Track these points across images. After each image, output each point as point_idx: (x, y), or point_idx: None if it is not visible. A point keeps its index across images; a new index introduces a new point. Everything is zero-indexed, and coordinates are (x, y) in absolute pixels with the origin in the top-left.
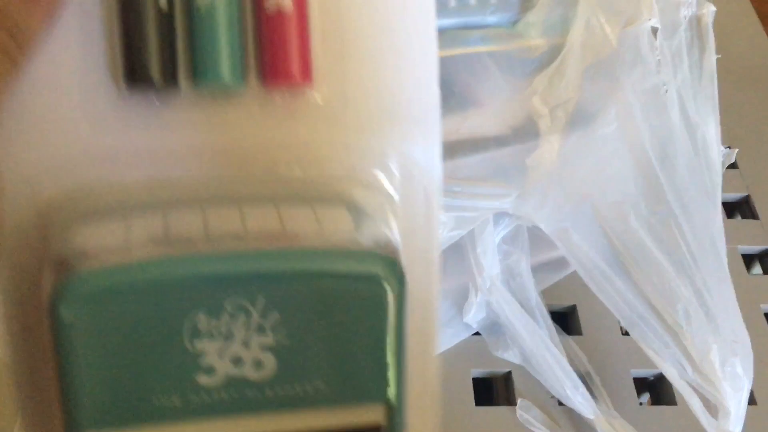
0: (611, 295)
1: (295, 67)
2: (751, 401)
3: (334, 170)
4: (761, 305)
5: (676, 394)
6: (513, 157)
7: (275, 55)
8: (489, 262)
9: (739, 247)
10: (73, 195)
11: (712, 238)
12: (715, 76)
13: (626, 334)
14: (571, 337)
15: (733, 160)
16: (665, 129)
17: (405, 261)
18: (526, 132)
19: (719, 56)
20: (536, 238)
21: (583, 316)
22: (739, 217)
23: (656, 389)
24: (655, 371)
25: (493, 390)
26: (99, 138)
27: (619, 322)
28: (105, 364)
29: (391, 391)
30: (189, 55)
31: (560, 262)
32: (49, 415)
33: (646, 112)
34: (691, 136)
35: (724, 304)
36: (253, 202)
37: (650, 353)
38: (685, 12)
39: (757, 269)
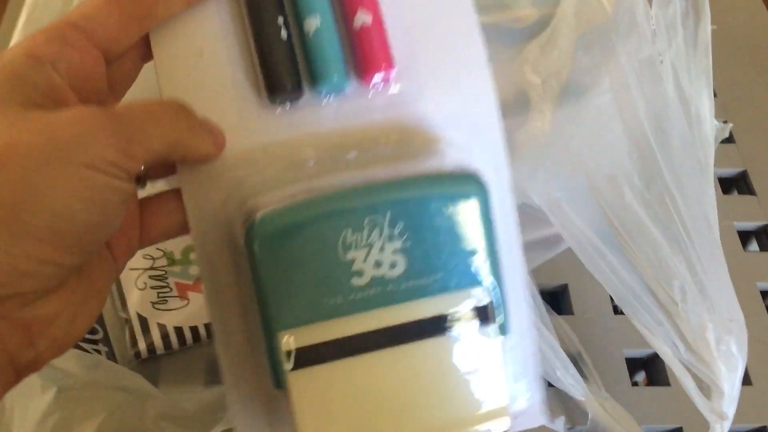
0: (604, 271)
1: (382, 60)
2: (746, 381)
3: (417, 137)
4: (757, 282)
5: (669, 375)
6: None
7: (366, 56)
8: None
9: (736, 223)
10: (242, 176)
11: (705, 214)
12: (710, 48)
13: (619, 313)
14: (562, 316)
15: (727, 135)
16: (660, 101)
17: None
18: (516, 104)
19: (715, 27)
20: (525, 216)
21: (575, 296)
22: (735, 193)
23: (650, 369)
24: (649, 351)
25: None
26: (251, 137)
27: (612, 301)
28: (286, 279)
29: (490, 274)
30: (307, 68)
31: (551, 241)
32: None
33: (642, 82)
34: (685, 110)
35: (719, 282)
36: (370, 163)
37: (643, 331)
38: None
39: (754, 246)
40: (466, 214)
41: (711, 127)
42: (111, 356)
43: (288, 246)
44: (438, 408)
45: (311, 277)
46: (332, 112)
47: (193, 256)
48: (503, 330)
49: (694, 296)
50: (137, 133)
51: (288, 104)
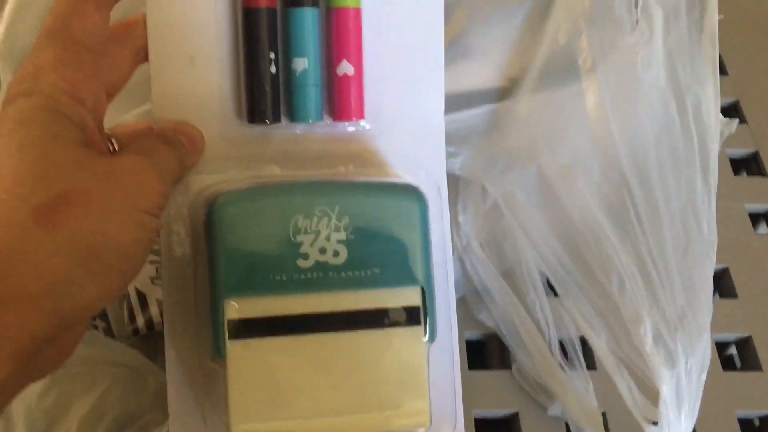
0: (549, 258)
1: (353, 110)
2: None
3: (372, 169)
4: None
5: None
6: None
7: (341, 103)
8: (468, 220)
9: (746, 205)
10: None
11: (693, 203)
12: (717, 37)
13: None
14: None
15: (733, 131)
16: (633, 92)
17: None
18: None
19: (722, 17)
20: None
21: None
22: (745, 174)
23: None
24: None
25: (486, 353)
26: (225, 149)
27: None
28: (239, 252)
29: (423, 278)
30: (288, 102)
31: None
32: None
33: (611, 73)
34: (679, 99)
35: (675, 276)
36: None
37: (579, 320)
38: None
39: (764, 228)
40: (405, 219)
41: (715, 116)
42: (108, 332)
43: (244, 221)
44: (360, 400)
45: (262, 252)
46: (302, 139)
47: None
48: (431, 334)
49: (635, 290)
50: (170, 177)
51: (266, 129)
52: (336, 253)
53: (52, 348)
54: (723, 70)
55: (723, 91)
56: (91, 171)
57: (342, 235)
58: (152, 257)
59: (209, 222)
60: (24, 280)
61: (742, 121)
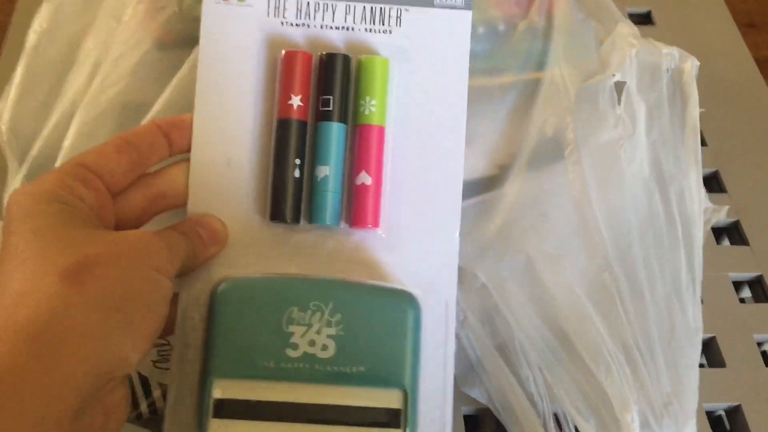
0: (538, 344)
1: (369, 219)
2: None
3: (385, 279)
4: (754, 335)
5: None
6: (474, 206)
7: (357, 211)
8: (463, 296)
9: (730, 274)
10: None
11: (677, 290)
12: (698, 128)
13: None
14: None
15: (723, 217)
16: (617, 184)
17: (425, 339)
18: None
19: (704, 110)
20: None
21: None
22: (727, 243)
23: None
24: None
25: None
26: (247, 246)
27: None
28: (233, 334)
29: (408, 382)
30: (308, 205)
31: None
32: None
33: (596, 165)
34: (662, 189)
35: (666, 364)
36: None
37: (568, 405)
38: (667, 65)
39: (747, 294)
40: (396, 323)
41: (699, 205)
42: None
43: (241, 307)
44: None
45: (254, 338)
46: (319, 241)
47: None
48: None
49: (622, 377)
50: (174, 249)
51: (286, 229)
52: (324, 347)
53: (98, 411)
54: (702, 141)
55: (703, 162)
56: (103, 240)
57: (332, 331)
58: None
59: (210, 303)
60: (66, 338)
61: (723, 190)
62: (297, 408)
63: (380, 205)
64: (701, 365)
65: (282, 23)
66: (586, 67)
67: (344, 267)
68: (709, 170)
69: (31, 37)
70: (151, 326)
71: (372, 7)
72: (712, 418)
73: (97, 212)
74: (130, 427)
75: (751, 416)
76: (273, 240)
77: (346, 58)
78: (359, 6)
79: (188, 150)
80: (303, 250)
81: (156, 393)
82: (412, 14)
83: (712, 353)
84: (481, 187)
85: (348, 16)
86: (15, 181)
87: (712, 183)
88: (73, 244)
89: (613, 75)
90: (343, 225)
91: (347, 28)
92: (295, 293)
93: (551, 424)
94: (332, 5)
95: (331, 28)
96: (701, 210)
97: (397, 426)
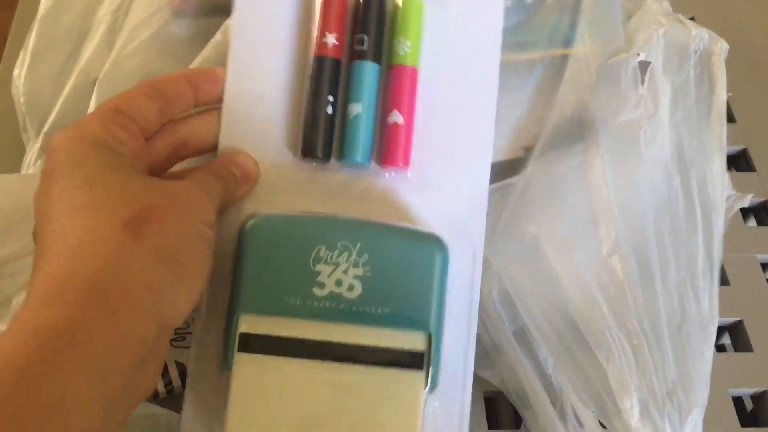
0: (541, 323)
1: (400, 158)
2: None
3: (412, 220)
4: None
5: None
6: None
7: (389, 149)
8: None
9: (758, 255)
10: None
11: (692, 278)
12: (725, 113)
13: None
14: None
15: (746, 205)
16: (634, 165)
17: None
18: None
19: (731, 94)
20: None
21: None
22: (755, 224)
23: None
24: None
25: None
26: (277, 182)
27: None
28: (260, 271)
29: (432, 326)
30: (339, 143)
31: None
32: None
33: (614, 146)
34: (683, 173)
35: (673, 352)
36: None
37: (570, 391)
38: (696, 47)
39: None
40: (423, 266)
41: (721, 192)
42: None
43: (269, 244)
44: None
45: (281, 275)
46: (348, 180)
47: None
48: (432, 383)
49: (625, 362)
50: (214, 197)
51: (316, 166)
52: (351, 287)
53: (154, 362)
54: (731, 118)
55: (731, 139)
56: (156, 191)
57: (360, 271)
58: None
59: (239, 239)
60: (129, 289)
61: (751, 169)
62: (321, 346)
63: (411, 144)
64: (724, 349)
65: None
66: (610, 44)
67: (373, 207)
68: (738, 148)
69: (45, 3)
70: (201, 278)
71: None
72: (737, 403)
73: (138, 159)
74: (146, 406)
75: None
76: (302, 178)
77: None
78: None
79: (214, 101)
80: (332, 189)
81: (172, 372)
82: None
83: (738, 337)
84: (507, 171)
85: None
86: (32, 153)
87: (741, 161)
88: (130, 194)
89: (638, 54)
90: (373, 165)
91: None
92: (323, 232)
93: (569, 409)
94: None
95: None
96: (723, 197)
97: (420, 368)
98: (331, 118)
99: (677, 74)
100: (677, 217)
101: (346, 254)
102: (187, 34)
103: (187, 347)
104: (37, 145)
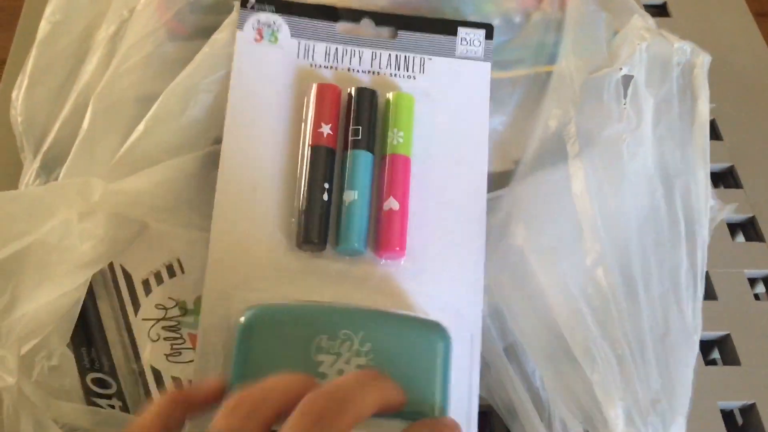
0: (528, 335)
1: (396, 243)
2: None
3: (410, 308)
4: None
5: None
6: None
7: (385, 235)
8: None
9: (745, 271)
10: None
11: (676, 289)
12: (708, 125)
13: None
14: None
15: (724, 216)
16: (617, 179)
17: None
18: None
19: (714, 105)
20: None
21: None
22: (742, 239)
23: None
24: None
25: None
26: (273, 272)
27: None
28: (260, 361)
29: (438, 415)
30: (336, 229)
31: None
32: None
33: (597, 159)
34: (666, 186)
35: (657, 362)
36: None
37: (558, 401)
38: (678, 59)
39: (763, 293)
40: (427, 354)
41: (705, 204)
42: (125, 410)
43: (269, 333)
44: None
45: (281, 366)
46: (344, 268)
47: None
48: None
49: (609, 371)
50: None
51: (313, 254)
52: None
53: None
54: (718, 136)
55: (718, 157)
56: None
57: (362, 361)
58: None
59: (238, 330)
60: None
61: (738, 186)
62: None
63: (406, 230)
64: (714, 363)
65: (311, 65)
66: (594, 60)
67: (370, 295)
68: (725, 165)
69: (44, 27)
70: None
71: (397, 55)
72: (726, 416)
73: None
74: None
75: (766, 414)
76: (298, 267)
77: (374, 93)
78: (384, 53)
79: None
80: (328, 277)
81: (169, 386)
82: (435, 63)
83: (726, 351)
84: (495, 183)
85: (374, 62)
86: (30, 172)
87: (728, 178)
88: None
89: (620, 69)
90: (368, 252)
91: (373, 72)
92: (324, 321)
93: (557, 422)
94: (359, 51)
95: (358, 71)
96: (707, 208)
97: None
98: (327, 205)
99: (660, 87)
100: (661, 229)
101: (348, 344)
102: (181, 56)
103: (184, 362)
104: (36, 165)
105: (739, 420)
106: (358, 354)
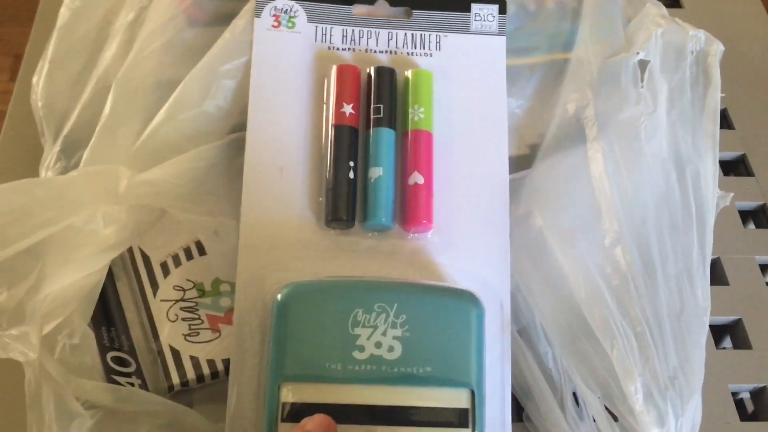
0: (547, 315)
1: (423, 216)
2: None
3: (441, 279)
4: None
5: None
6: None
7: (412, 209)
8: None
9: (757, 257)
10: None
11: (688, 269)
12: (718, 114)
13: None
14: None
15: (728, 203)
16: (635, 161)
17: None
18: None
19: (724, 95)
20: None
21: None
22: (753, 227)
23: None
24: None
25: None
26: (303, 251)
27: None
28: (299, 338)
29: (474, 381)
30: (363, 206)
31: None
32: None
33: (615, 142)
34: (679, 170)
35: (674, 339)
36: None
37: (577, 378)
38: (692, 47)
39: None
40: (461, 322)
41: (713, 190)
42: (144, 388)
43: (307, 310)
44: None
45: (320, 341)
46: (372, 244)
47: (222, 287)
48: None
49: (627, 348)
50: None
51: (341, 232)
52: (391, 349)
53: None
54: (730, 125)
55: (730, 145)
56: None
57: (398, 332)
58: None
59: (275, 309)
60: None
61: (750, 174)
62: (366, 410)
63: (432, 204)
64: (725, 347)
65: (329, 47)
66: (611, 45)
67: (400, 269)
68: (737, 153)
69: (64, 14)
70: None
71: (413, 34)
72: (737, 399)
73: None
74: (161, 400)
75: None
76: (327, 244)
77: (393, 72)
78: (401, 33)
79: None
80: (357, 253)
81: (187, 365)
82: (451, 40)
83: (738, 335)
84: (510, 167)
85: (390, 41)
86: (51, 156)
87: (740, 167)
88: None
89: (637, 53)
90: (396, 227)
91: (390, 52)
92: (359, 295)
93: (569, 401)
94: (375, 32)
95: (376, 51)
96: (715, 195)
97: (466, 425)
98: (353, 183)
99: (674, 74)
100: (675, 212)
101: (383, 316)
102: (201, 42)
103: (202, 342)
104: (56, 149)
105: (750, 407)
106: (394, 325)
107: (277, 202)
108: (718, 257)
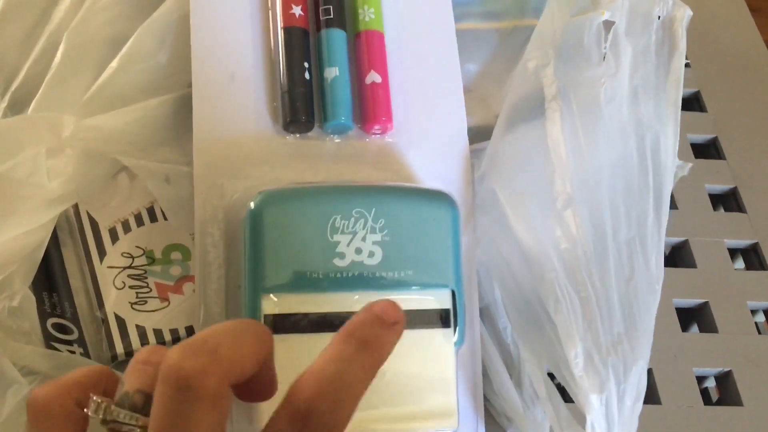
0: (503, 281)
1: (383, 114)
2: (736, 401)
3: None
4: (747, 301)
5: None
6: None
7: (371, 108)
8: None
9: (726, 241)
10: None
11: (642, 236)
12: (681, 81)
13: None
14: None
15: (686, 173)
16: (593, 122)
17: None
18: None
19: (688, 62)
20: None
21: None
22: (723, 210)
23: None
24: None
25: None
26: (263, 157)
27: None
28: (278, 248)
29: (454, 281)
30: (321, 108)
31: None
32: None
33: (574, 102)
34: (638, 135)
35: (620, 305)
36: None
37: (523, 346)
38: (659, 11)
39: (740, 263)
40: (439, 224)
41: (672, 157)
42: (86, 357)
43: (283, 219)
44: (389, 398)
45: (299, 250)
46: (334, 147)
47: (174, 255)
48: (460, 338)
49: (571, 312)
50: None
51: (298, 135)
52: (371, 254)
53: None
54: (702, 108)
55: (702, 128)
56: None
57: (377, 237)
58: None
59: (249, 218)
60: None
61: (721, 157)
62: (349, 317)
63: (390, 102)
64: (690, 330)
65: None
66: (576, 6)
67: (365, 171)
68: (709, 136)
69: None
70: None
71: None
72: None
73: None
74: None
75: (741, 382)
76: (287, 151)
77: None
78: None
79: None
80: (319, 157)
81: (133, 335)
82: None
83: (704, 319)
84: (478, 137)
85: None
86: None
87: (711, 150)
88: None
89: (602, 13)
90: (356, 129)
91: None
92: (335, 201)
93: (526, 379)
94: None
95: None
96: (674, 163)
97: (448, 325)
98: (310, 84)
99: (639, 37)
100: (631, 177)
101: (362, 221)
102: None
103: (149, 310)
104: (3, 104)
105: (714, 393)
106: (373, 230)
107: (230, 110)
108: (687, 240)
